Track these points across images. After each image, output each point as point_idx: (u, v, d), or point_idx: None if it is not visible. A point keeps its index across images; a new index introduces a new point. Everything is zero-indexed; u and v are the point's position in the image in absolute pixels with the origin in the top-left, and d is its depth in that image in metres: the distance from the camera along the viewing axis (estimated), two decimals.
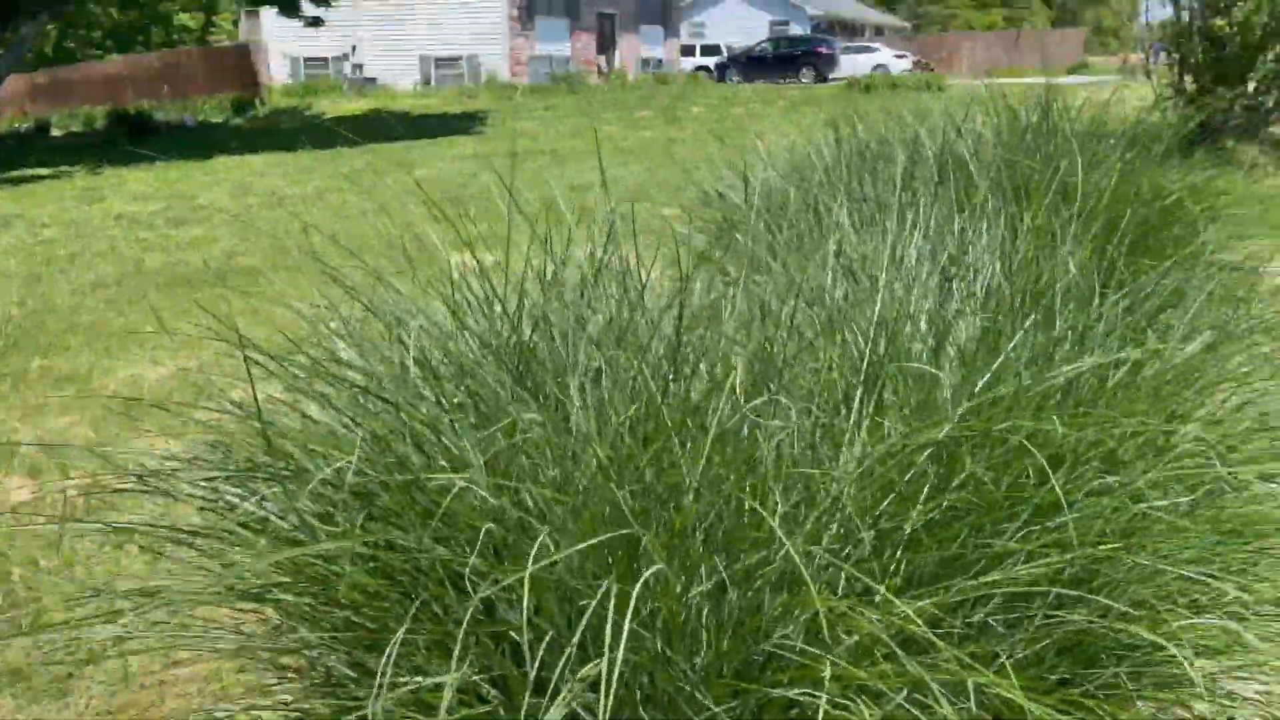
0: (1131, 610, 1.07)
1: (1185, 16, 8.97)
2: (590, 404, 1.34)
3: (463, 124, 19.00)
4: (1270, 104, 9.32)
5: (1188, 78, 9.39)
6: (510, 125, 18.71)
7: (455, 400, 1.47)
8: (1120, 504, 1.14)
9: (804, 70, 32.89)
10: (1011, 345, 1.34)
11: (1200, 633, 1.12)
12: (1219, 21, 8.64)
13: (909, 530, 1.08)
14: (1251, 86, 9.18)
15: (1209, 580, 1.10)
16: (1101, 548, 1.07)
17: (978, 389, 1.25)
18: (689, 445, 1.15)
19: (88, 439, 3.69)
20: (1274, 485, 1.28)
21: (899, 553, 1.10)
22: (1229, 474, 1.23)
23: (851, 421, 1.15)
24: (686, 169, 11.96)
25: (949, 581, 1.07)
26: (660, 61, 33.40)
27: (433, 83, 26.85)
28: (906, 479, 1.11)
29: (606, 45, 30.43)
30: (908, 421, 1.25)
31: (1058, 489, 1.04)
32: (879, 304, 1.46)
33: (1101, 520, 1.10)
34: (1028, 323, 1.43)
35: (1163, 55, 10.71)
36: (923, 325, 1.56)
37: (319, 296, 5.58)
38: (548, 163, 13.02)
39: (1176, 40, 9.22)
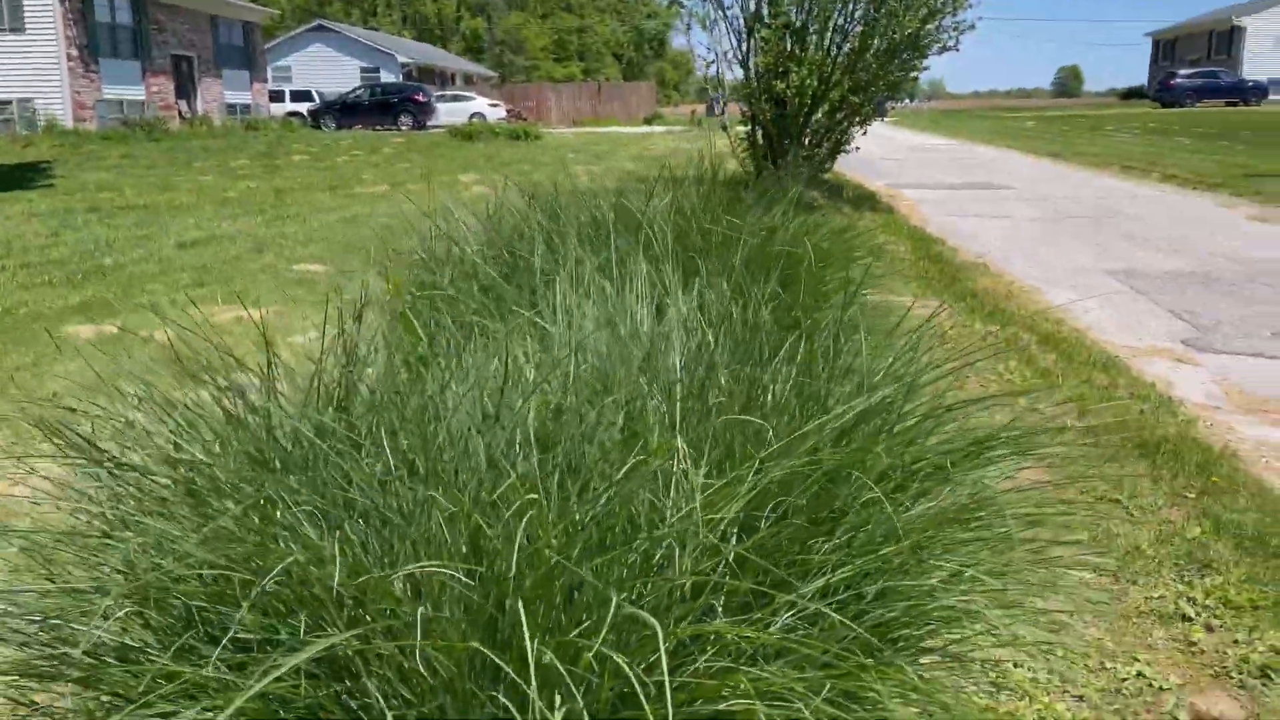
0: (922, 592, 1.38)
1: (754, 79, 10.36)
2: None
3: (22, 176, 16.75)
4: (823, 154, 11.03)
5: (758, 132, 10.82)
6: (83, 177, 16.79)
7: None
8: (894, 515, 1.44)
9: (402, 118, 32.99)
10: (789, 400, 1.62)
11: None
12: (780, 84, 10.09)
13: (751, 547, 1.30)
14: (807, 140, 10.81)
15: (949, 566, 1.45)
16: (887, 550, 1.37)
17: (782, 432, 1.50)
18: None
19: None
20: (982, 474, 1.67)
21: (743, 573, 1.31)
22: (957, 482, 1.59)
23: (702, 472, 1.33)
24: (307, 220, 11.59)
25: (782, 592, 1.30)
26: (248, 107, 31.73)
27: None
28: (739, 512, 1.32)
29: (186, 89, 28.34)
30: (719, 465, 1.47)
31: (886, 505, 1.32)
32: (678, 357, 1.68)
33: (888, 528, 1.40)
34: (784, 372, 1.73)
35: (721, 107, 12.25)
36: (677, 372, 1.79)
37: None
38: (142, 218, 11.92)
39: (748, 99, 10.60)
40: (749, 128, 10.92)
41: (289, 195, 14.25)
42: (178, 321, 5.18)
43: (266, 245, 9.50)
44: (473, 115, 33.61)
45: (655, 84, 61.85)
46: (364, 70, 44.82)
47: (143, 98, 26.01)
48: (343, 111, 33.48)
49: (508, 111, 37.08)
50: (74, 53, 23.62)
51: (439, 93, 37.89)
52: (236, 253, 9.16)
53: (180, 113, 27.43)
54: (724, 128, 11.91)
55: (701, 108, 50.45)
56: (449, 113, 34.31)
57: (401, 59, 46.12)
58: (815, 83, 10.09)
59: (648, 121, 43.20)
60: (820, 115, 10.66)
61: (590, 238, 3.37)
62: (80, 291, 7.40)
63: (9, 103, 23.48)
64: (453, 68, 54.33)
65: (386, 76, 43.53)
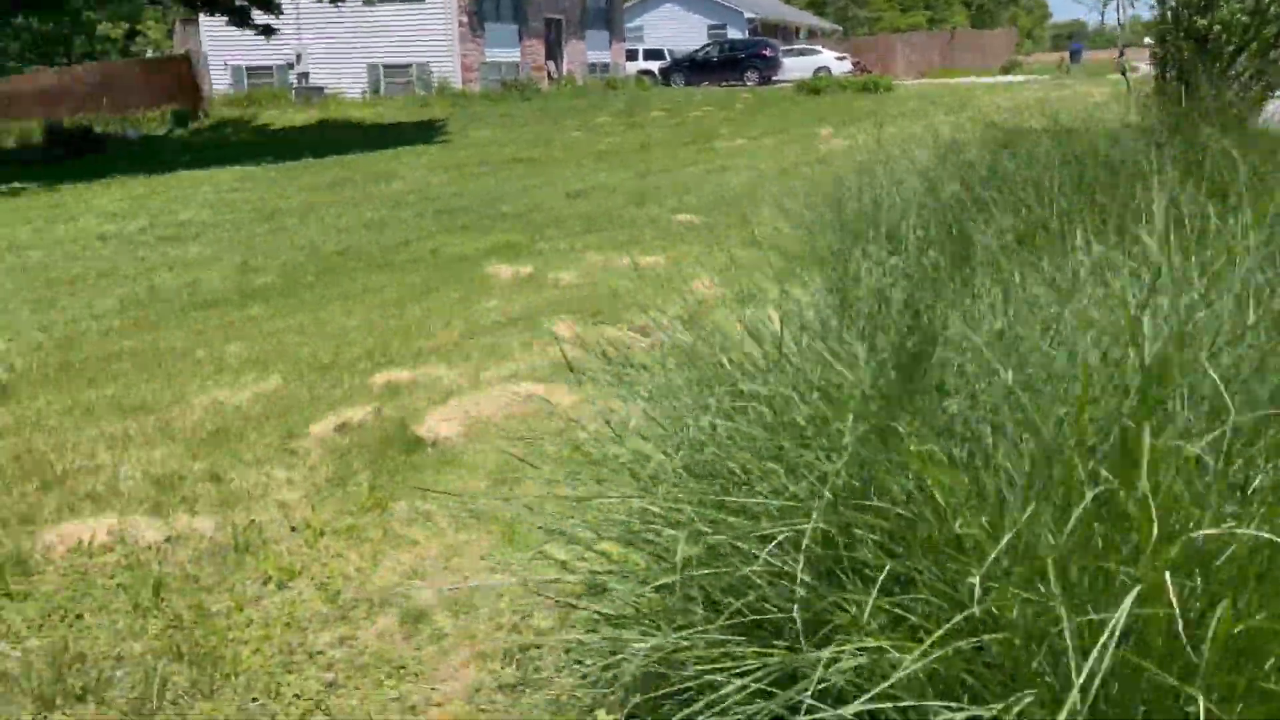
0: None
1: (1170, 15, 9.21)
2: None
3: (423, 133, 18.72)
4: (1250, 100, 9.64)
5: (1169, 74, 9.65)
6: (471, 134, 18.48)
7: None
8: None
9: (748, 73, 33.15)
10: None
11: None
12: (1202, 20, 8.91)
13: None
14: (1232, 83, 9.48)
15: None
16: None
17: None
18: None
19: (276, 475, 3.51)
20: None
21: None
22: None
23: None
24: (674, 173, 11.95)
25: None
26: (606, 66, 33.38)
27: (382, 91, 26.45)
28: None
29: (554, 50, 30.30)
30: None
31: None
32: None
33: None
34: None
35: (1120, 49, 11.05)
36: None
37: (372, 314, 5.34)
38: (527, 170, 12.89)
39: (1160, 38, 9.47)
40: (1156, 70, 9.78)
41: (653, 150, 14.80)
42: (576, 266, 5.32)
43: (644, 197, 9.89)
44: (818, 69, 33.06)
45: (1014, 28, 57.53)
46: (711, 27, 45.54)
47: (518, 60, 28.14)
48: (691, 69, 34.23)
49: (853, 64, 36.14)
50: (464, 19, 25.98)
51: (785, 48, 37.68)
52: (618, 203, 9.62)
53: (549, 73, 29.39)
54: (1122, 72, 10.80)
55: (1066, 55, 46.39)
56: (794, 67, 34.01)
57: (747, 15, 46.34)
58: (1246, 18, 8.82)
59: (1004, 70, 40.36)
60: (1248, 55, 9.32)
61: (1065, 188, 3.10)
62: (489, 236, 8.11)
63: (409, 66, 26.34)
64: (796, 22, 53.81)
65: (732, 33, 43.94)
